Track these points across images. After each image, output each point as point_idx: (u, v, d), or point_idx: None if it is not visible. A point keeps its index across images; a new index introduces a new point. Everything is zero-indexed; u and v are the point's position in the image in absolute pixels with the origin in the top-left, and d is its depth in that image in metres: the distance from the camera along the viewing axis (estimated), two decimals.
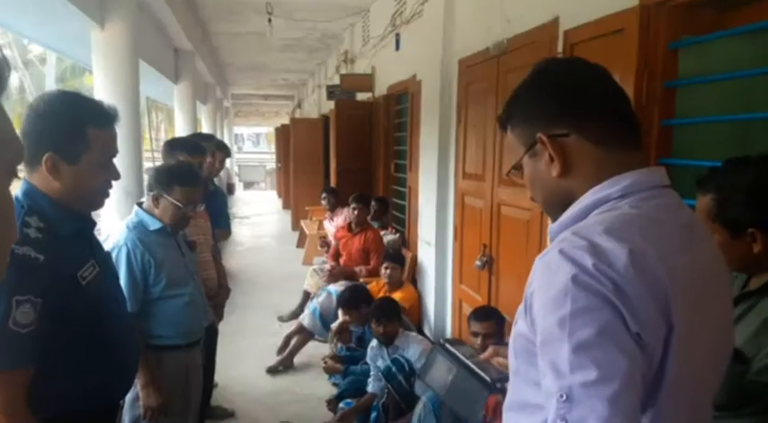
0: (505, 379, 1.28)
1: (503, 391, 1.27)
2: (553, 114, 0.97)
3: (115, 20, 3.59)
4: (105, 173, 1.56)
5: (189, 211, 2.38)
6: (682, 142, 2.27)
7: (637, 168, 0.93)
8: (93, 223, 1.71)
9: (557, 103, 0.97)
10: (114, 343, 1.63)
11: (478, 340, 3.05)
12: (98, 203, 1.63)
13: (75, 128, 1.48)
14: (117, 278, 1.87)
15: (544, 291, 0.84)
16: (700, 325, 0.88)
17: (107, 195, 1.62)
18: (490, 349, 1.44)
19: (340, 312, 4.63)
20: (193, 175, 2.46)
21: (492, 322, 3.10)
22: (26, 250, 1.37)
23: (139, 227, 2.32)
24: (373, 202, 6.03)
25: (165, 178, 2.36)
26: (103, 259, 1.71)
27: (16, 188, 1.54)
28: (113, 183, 1.62)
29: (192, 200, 2.39)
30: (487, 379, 1.30)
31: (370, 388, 3.75)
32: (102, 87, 3.70)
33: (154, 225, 2.32)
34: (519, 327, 0.94)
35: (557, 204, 1.00)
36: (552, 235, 0.98)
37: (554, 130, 0.96)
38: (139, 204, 2.44)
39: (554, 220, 1.02)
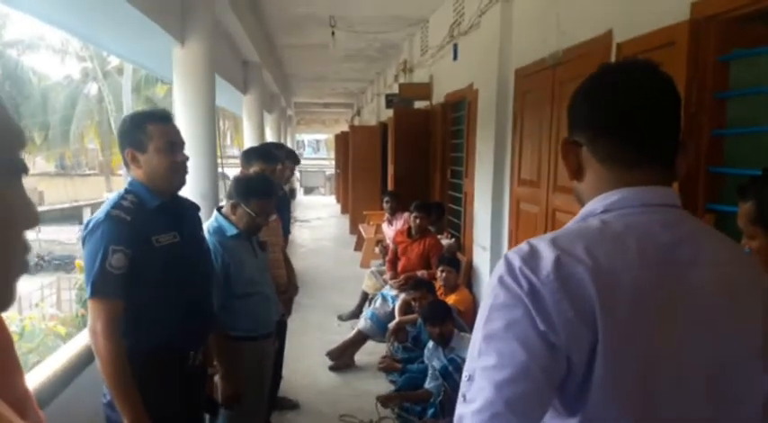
0: None
1: None
2: (579, 123, 1.03)
3: (194, 38, 3.90)
4: (169, 156, 1.96)
5: (262, 220, 2.63)
6: (734, 152, 2.33)
7: (639, 185, 0.96)
8: (182, 203, 2.14)
9: (585, 114, 1.02)
10: (183, 302, 1.98)
11: None
12: (173, 182, 2.02)
13: (138, 126, 1.95)
14: (204, 254, 2.22)
15: (487, 285, 0.95)
16: (670, 341, 0.89)
17: (180, 176, 2.02)
18: None
19: (397, 314, 4.82)
20: (269, 189, 2.70)
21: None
22: (119, 213, 1.86)
23: (219, 232, 2.58)
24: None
25: (244, 189, 2.60)
26: (192, 234, 2.10)
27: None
28: (190, 182, 2.07)
29: (265, 211, 2.64)
30: None
31: (426, 385, 3.91)
32: (181, 101, 4.01)
33: (230, 231, 2.59)
34: None
35: (578, 201, 1.08)
36: None
37: (576, 137, 1.02)
38: (219, 208, 2.70)
39: None
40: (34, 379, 1.98)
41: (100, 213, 1.88)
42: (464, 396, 0.90)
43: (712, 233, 1.01)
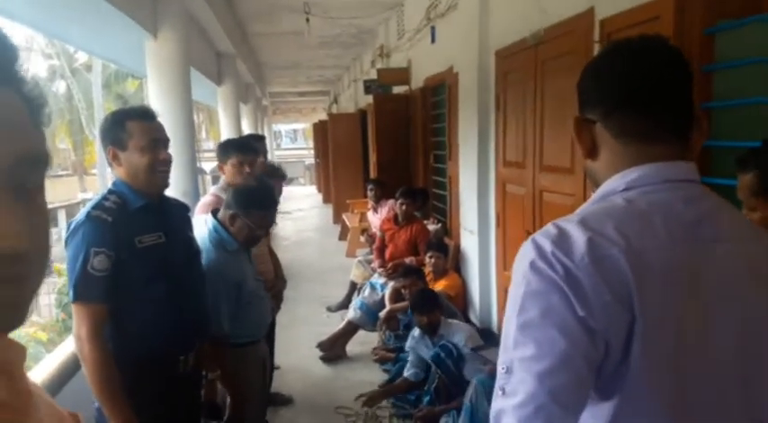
0: None
1: None
2: (591, 100, 1.01)
3: (167, 30, 3.80)
4: (149, 154, 1.91)
5: (262, 233, 2.53)
6: (721, 124, 2.32)
7: (658, 161, 0.94)
8: (169, 203, 2.08)
9: (596, 90, 1.01)
10: (171, 304, 1.92)
11: None
12: (154, 181, 1.95)
13: (119, 123, 1.91)
14: (193, 255, 2.15)
15: (513, 272, 0.92)
16: (698, 322, 0.88)
17: (162, 175, 1.96)
18: None
19: (387, 302, 4.79)
20: (270, 200, 2.56)
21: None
22: (99, 213, 1.82)
23: (221, 245, 2.42)
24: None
25: (244, 200, 2.43)
26: (179, 235, 2.04)
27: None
28: (170, 180, 2.01)
29: (265, 223, 2.51)
30: None
31: (405, 373, 3.89)
32: (155, 95, 3.91)
33: (232, 245, 2.44)
34: None
35: (591, 181, 1.07)
36: None
37: (588, 115, 1.01)
38: (214, 213, 2.51)
39: None
40: None
41: (81, 214, 1.83)
42: (503, 389, 0.87)
43: (731, 209, 1.00)
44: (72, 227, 1.81)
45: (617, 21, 2.67)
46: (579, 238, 0.86)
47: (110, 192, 1.92)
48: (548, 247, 0.87)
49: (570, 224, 0.89)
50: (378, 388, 3.98)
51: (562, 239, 0.87)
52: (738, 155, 1.56)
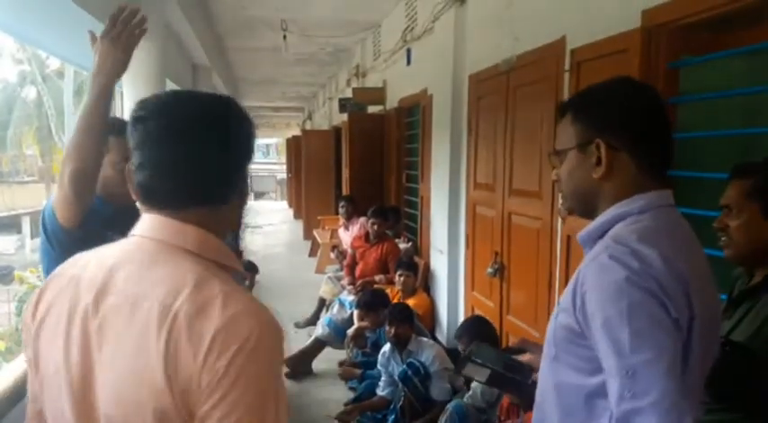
0: (530, 371, 1.43)
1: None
2: (616, 128, 1.14)
3: (144, 40, 3.77)
4: (122, 171, 1.88)
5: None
6: (685, 155, 2.41)
7: (659, 189, 1.14)
8: (134, 210, 2.06)
9: (625, 121, 1.14)
10: None
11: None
12: (123, 195, 1.94)
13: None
14: None
15: (600, 289, 1.03)
16: (708, 313, 1.07)
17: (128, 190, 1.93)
18: (521, 339, 1.63)
19: (356, 319, 4.79)
20: None
21: (464, 339, 3.30)
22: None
23: None
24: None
25: None
26: None
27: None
28: None
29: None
30: (519, 379, 1.41)
31: (379, 391, 3.90)
32: (131, 105, 3.87)
33: None
34: (562, 320, 1.13)
35: (581, 198, 1.21)
36: (582, 241, 1.20)
37: (612, 141, 1.13)
38: None
39: (570, 209, 1.26)
40: None
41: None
42: (630, 392, 0.97)
43: None
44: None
45: (587, 51, 2.77)
46: (652, 254, 1.01)
47: None
48: (635, 264, 1.01)
49: (633, 244, 1.04)
50: (343, 406, 3.95)
51: (641, 258, 1.01)
52: (737, 164, 1.63)
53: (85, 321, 0.93)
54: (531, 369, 1.44)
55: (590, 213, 1.20)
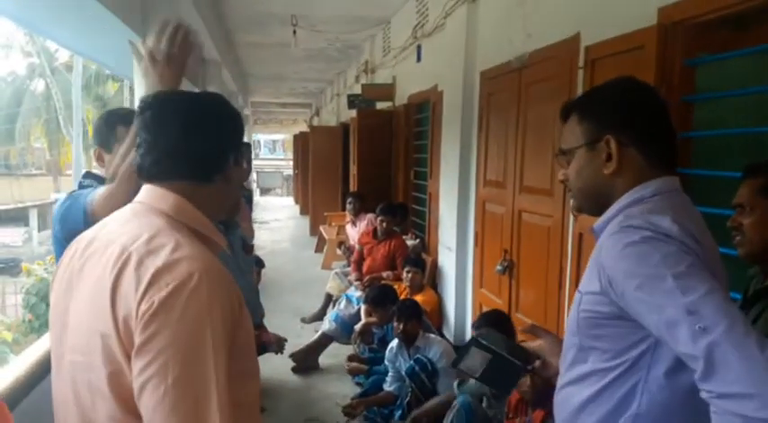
0: (535, 358, 1.43)
1: (535, 371, 1.44)
2: (626, 126, 1.18)
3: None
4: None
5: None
6: (699, 153, 2.40)
7: (668, 176, 1.19)
8: None
9: (632, 117, 1.19)
10: None
11: None
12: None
13: (110, 126, 1.97)
14: None
15: (623, 258, 1.05)
16: (723, 286, 1.08)
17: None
18: (530, 325, 1.62)
19: (362, 315, 4.79)
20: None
21: (483, 330, 3.26)
22: (92, 182, 1.94)
23: None
24: None
25: None
26: None
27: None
28: None
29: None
30: (519, 364, 1.43)
31: (387, 386, 3.90)
32: (141, 97, 3.87)
33: None
34: (586, 305, 1.15)
35: (592, 195, 1.24)
36: (597, 231, 1.22)
37: (621, 137, 1.17)
38: None
39: (580, 208, 1.29)
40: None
41: (67, 197, 1.84)
42: (701, 328, 0.93)
43: None
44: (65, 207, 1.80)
45: (602, 48, 2.75)
46: (661, 219, 1.06)
47: (85, 177, 2.00)
48: (650, 227, 1.05)
49: (643, 215, 1.09)
50: (350, 400, 3.96)
51: (653, 222, 1.06)
52: (748, 163, 1.63)
53: (72, 264, 1.11)
54: (536, 355, 1.44)
55: (601, 210, 1.23)
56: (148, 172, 1.12)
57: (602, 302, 1.10)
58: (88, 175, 2.04)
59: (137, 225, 1.06)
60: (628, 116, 1.19)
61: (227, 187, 1.18)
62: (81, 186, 1.96)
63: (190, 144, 1.11)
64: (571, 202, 2.95)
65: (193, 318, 0.93)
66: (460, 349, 1.54)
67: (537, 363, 1.42)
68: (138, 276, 0.96)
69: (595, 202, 1.24)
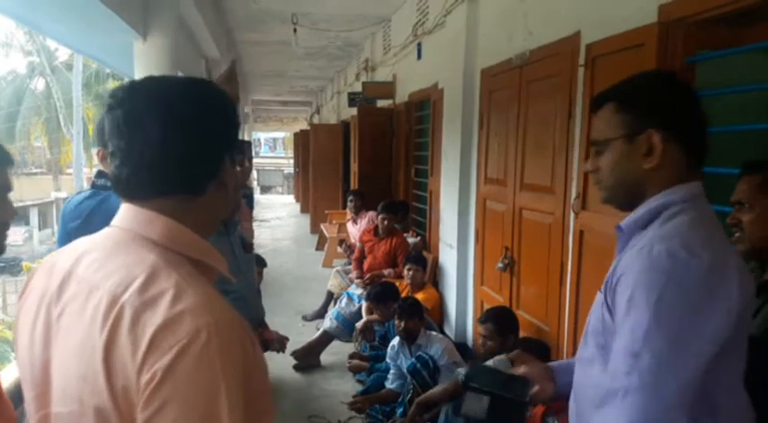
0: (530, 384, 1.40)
1: (532, 400, 1.41)
2: (671, 120, 1.16)
3: (157, 33, 3.80)
4: None
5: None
6: None
7: (696, 179, 1.17)
8: None
9: (679, 114, 1.17)
10: None
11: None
12: None
13: None
14: None
15: (642, 272, 1.04)
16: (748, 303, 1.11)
17: None
18: (516, 352, 1.58)
19: (364, 312, 4.81)
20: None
21: (489, 325, 3.32)
22: (104, 182, 1.97)
23: None
24: None
25: None
26: None
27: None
28: None
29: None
30: (519, 397, 1.39)
31: (388, 384, 3.91)
32: None
33: None
34: (597, 314, 1.16)
35: (624, 189, 1.21)
36: (626, 230, 1.20)
37: (665, 133, 1.14)
38: None
39: (608, 200, 1.25)
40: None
41: (87, 192, 1.91)
42: (629, 370, 1.03)
43: None
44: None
45: (603, 46, 2.76)
46: (703, 252, 1.04)
47: (98, 176, 2.02)
48: (684, 256, 1.04)
49: (687, 238, 1.07)
50: (352, 398, 3.97)
51: (692, 251, 1.05)
52: (747, 161, 1.64)
53: (49, 309, 0.90)
54: (528, 381, 1.40)
55: (632, 204, 1.21)
56: (127, 189, 0.91)
57: (606, 307, 1.12)
58: (101, 174, 2.03)
59: (124, 263, 0.86)
60: (673, 111, 1.17)
61: (224, 194, 0.97)
62: (94, 186, 1.97)
63: (172, 148, 0.88)
64: (573, 197, 2.97)
65: (205, 383, 0.77)
66: (461, 400, 1.48)
67: (534, 388, 1.39)
68: (134, 338, 0.78)
69: (627, 196, 1.21)
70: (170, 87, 0.94)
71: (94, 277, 0.86)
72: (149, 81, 0.96)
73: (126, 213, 0.92)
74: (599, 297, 1.19)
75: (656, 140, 1.14)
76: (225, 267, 0.99)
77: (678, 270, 1.02)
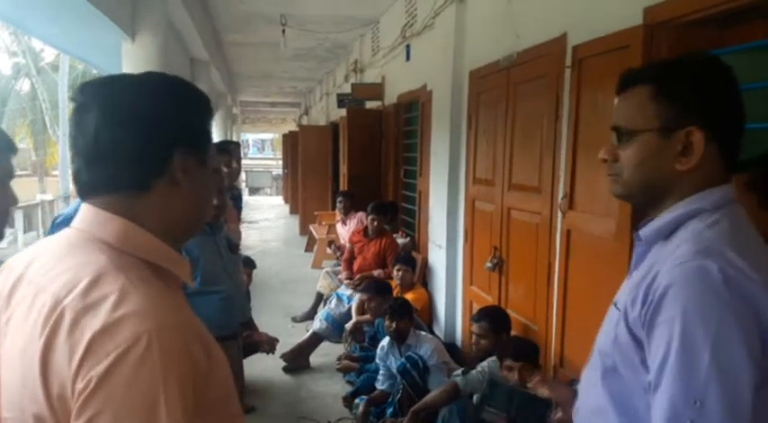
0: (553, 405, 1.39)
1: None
2: (717, 118, 1.00)
3: (145, 33, 3.79)
4: None
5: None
6: None
7: (728, 183, 1.03)
8: None
9: (727, 111, 1.01)
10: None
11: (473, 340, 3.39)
12: None
13: None
14: None
15: (691, 299, 0.91)
16: None
17: None
18: (537, 378, 1.52)
19: (353, 313, 4.81)
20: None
21: (484, 323, 3.35)
22: None
23: None
24: None
25: None
26: None
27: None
28: None
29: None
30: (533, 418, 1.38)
31: (379, 385, 3.92)
32: None
33: None
34: (626, 326, 1.01)
35: (650, 189, 1.05)
36: (647, 238, 1.07)
37: (708, 131, 0.98)
38: None
39: (626, 197, 1.11)
40: None
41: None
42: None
43: None
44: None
45: (589, 47, 2.78)
46: (746, 267, 0.91)
47: None
48: (731, 274, 0.91)
49: (728, 252, 0.93)
50: (342, 399, 3.98)
51: (736, 267, 0.92)
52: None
53: (0, 313, 0.87)
54: (551, 404, 1.37)
55: (653, 205, 1.07)
56: (78, 185, 0.88)
57: (640, 323, 0.98)
58: None
59: (73, 265, 0.81)
60: (723, 109, 1.00)
61: (179, 195, 0.89)
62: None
63: (104, 141, 0.84)
64: (560, 197, 2.99)
65: (142, 392, 0.72)
66: (475, 408, 1.47)
67: (558, 414, 1.34)
68: (72, 344, 0.74)
69: (647, 196, 1.06)
70: (118, 80, 0.91)
71: (42, 280, 0.83)
72: (107, 78, 0.93)
73: (84, 214, 0.88)
74: (613, 314, 1.07)
75: (698, 140, 0.98)
76: (186, 272, 0.93)
77: (735, 297, 0.89)
